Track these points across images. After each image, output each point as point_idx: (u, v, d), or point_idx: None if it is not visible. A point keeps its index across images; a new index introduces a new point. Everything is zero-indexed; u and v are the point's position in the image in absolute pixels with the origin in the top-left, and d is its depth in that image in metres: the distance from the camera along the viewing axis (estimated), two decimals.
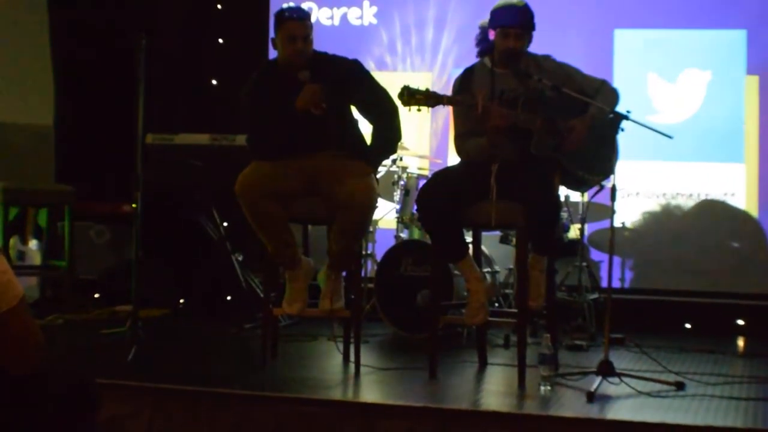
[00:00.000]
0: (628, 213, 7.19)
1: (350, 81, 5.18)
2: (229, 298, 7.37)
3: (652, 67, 7.31)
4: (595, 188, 5.33)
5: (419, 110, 4.92)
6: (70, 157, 8.11)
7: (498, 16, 5.05)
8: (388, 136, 5.25)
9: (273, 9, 7.57)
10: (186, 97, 7.92)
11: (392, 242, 6.63)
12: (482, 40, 5.18)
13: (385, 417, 4.29)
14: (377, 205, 5.18)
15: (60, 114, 8.29)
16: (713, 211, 7.18)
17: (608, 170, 4.94)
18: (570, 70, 5.14)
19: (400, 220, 6.68)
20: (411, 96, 4.85)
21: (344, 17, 7.90)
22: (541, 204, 4.85)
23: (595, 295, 6.51)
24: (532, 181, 4.85)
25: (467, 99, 4.97)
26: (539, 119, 4.95)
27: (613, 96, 5.10)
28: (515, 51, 5.02)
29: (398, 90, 4.86)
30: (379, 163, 5.36)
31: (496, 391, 4.89)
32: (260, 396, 4.49)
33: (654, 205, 7.26)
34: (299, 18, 5.11)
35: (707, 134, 7.17)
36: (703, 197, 7.18)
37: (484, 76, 5.10)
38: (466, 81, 5.17)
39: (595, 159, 5.03)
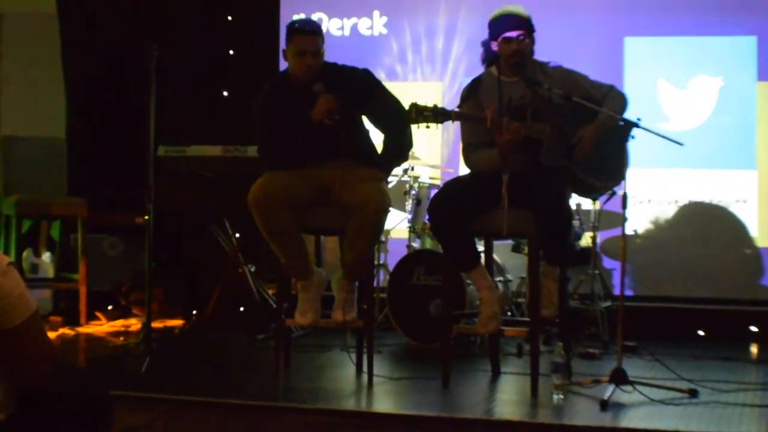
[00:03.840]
0: (640, 220, 7.17)
1: (361, 91, 5.19)
2: (241, 309, 7.38)
3: (662, 74, 7.30)
4: (607, 195, 5.33)
5: (428, 127, 4.94)
6: (82, 170, 8.12)
7: (496, 25, 5.09)
8: (400, 144, 5.26)
9: (284, 20, 7.59)
10: (197, 109, 7.94)
11: (404, 252, 6.63)
12: (487, 56, 5.21)
13: (399, 427, 4.30)
14: (389, 209, 5.17)
15: (72, 127, 8.32)
16: (725, 218, 7.16)
17: (619, 177, 4.93)
18: (577, 77, 5.15)
19: (412, 230, 6.69)
20: (419, 113, 4.86)
21: (354, 27, 7.91)
22: (553, 215, 4.84)
23: (608, 303, 6.50)
24: (543, 192, 4.84)
25: (475, 113, 4.98)
26: (548, 128, 4.96)
27: (621, 101, 5.09)
28: (521, 53, 5.03)
29: (411, 98, 4.88)
30: (390, 170, 5.35)
31: (509, 400, 4.89)
32: (273, 407, 4.50)
33: (666, 213, 7.25)
34: (310, 32, 5.11)
35: (719, 141, 7.16)
36: (714, 204, 7.16)
37: (491, 86, 5.10)
38: (473, 90, 5.18)
39: (605, 166, 5.02)
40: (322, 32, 5.18)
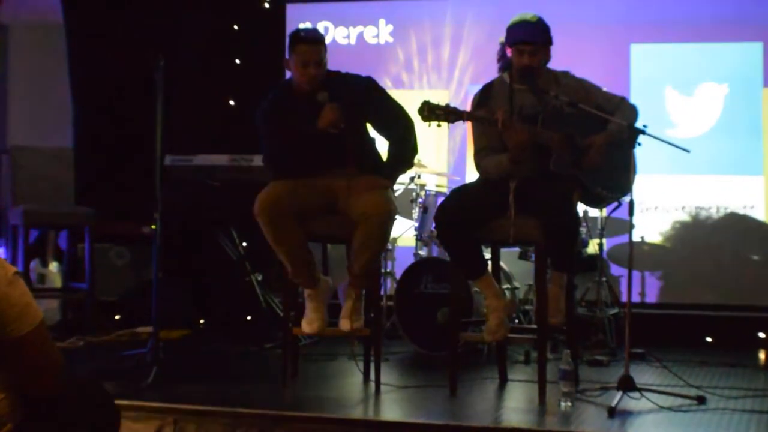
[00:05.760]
0: (647, 227, 7.17)
1: (365, 99, 5.19)
2: (248, 317, 7.39)
3: (669, 81, 7.30)
4: (614, 204, 5.32)
5: (439, 125, 4.93)
6: (89, 180, 8.14)
7: (512, 32, 5.05)
8: (404, 151, 5.26)
9: (290, 29, 7.59)
10: (204, 118, 7.94)
11: (411, 260, 6.63)
12: (502, 57, 5.18)
13: None
14: (396, 217, 5.16)
15: (79, 136, 8.33)
16: (732, 225, 7.16)
17: (626, 188, 4.91)
18: (589, 87, 5.13)
19: (419, 238, 6.69)
20: (431, 111, 4.85)
21: (360, 36, 7.92)
22: (560, 220, 4.83)
23: (615, 310, 6.49)
24: (550, 198, 4.83)
25: (487, 115, 4.97)
26: (558, 135, 4.94)
27: (632, 113, 5.08)
28: (530, 67, 5.00)
29: (417, 106, 4.87)
30: (395, 177, 5.35)
31: (516, 407, 4.88)
32: (280, 416, 4.49)
33: (673, 219, 7.25)
34: (313, 42, 5.10)
35: (725, 147, 7.16)
36: (722, 210, 7.17)
37: (503, 92, 5.08)
38: (485, 96, 5.16)
39: (614, 176, 5.00)
40: (324, 41, 5.17)
